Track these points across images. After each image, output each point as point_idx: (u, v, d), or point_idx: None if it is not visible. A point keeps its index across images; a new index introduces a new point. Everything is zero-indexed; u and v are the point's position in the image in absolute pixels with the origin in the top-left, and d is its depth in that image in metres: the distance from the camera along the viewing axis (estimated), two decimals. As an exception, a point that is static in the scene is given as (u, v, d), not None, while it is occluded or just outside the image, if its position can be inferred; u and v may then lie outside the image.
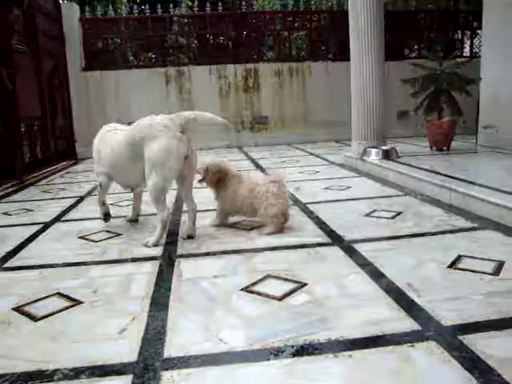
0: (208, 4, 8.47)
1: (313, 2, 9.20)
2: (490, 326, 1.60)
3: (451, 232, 2.71)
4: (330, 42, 9.03)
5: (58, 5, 7.63)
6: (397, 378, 1.34)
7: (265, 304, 1.86)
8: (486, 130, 5.85)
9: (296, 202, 3.69)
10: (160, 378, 1.40)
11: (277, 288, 2.00)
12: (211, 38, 9.02)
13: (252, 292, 1.97)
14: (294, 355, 1.48)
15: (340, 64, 8.13)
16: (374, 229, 2.87)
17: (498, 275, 2.04)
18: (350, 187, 4.18)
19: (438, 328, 1.59)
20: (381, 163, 4.71)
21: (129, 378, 1.41)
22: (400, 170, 4.27)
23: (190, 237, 2.84)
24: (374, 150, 5.00)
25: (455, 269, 2.14)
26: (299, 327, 1.65)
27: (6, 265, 2.54)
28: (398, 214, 3.17)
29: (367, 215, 3.18)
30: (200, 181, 3.00)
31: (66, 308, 1.92)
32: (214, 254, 2.53)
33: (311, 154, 6.91)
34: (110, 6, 8.80)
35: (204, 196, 3.31)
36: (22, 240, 2.98)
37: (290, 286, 2.01)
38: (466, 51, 9.18)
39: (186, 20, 8.76)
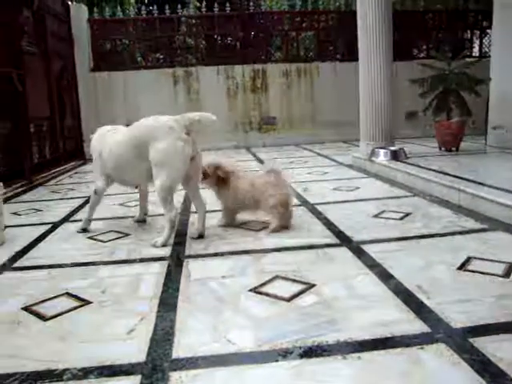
0: (216, 5, 8.48)
1: (321, 2, 9.16)
2: (501, 328, 1.59)
3: (460, 233, 2.69)
4: (338, 42, 9.01)
5: (67, 6, 7.67)
6: (406, 381, 1.33)
7: (273, 305, 1.86)
8: (496, 130, 5.80)
9: (304, 202, 3.68)
10: (168, 378, 1.40)
11: (285, 289, 2.00)
12: (219, 38, 9.03)
13: (260, 293, 1.97)
14: (302, 356, 1.48)
15: (348, 64, 8.11)
16: (382, 230, 2.86)
17: (508, 277, 2.02)
18: (358, 188, 4.17)
19: (447, 330, 1.58)
20: (389, 164, 4.69)
21: (137, 378, 1.41)
22: (408, 170, 4.25)
23: (201, 236, 2.86)
24: (382, 151, 4.98)
25: (465, 270, 2.12)
26: (308, 328, 1.65)
27: (16, 264, 2.55)
28: (407, 214, 3.15)
29: (376, 216, 3.16)
30: (202, 180, 3.00)
31: (75, 308, 1.93)
32: (222, 254, 2.53)
33: (319, 154, 6.90)
34: (118, 7, 8.82)
35: (209, 196, 3.31)
36: (30, 240, 3.00)
37: (298, 287, 2.00)
38: (476, 51, 9.13)
39: (193, 21, 8.77)
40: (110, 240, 2.90)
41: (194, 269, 2.32)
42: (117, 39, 8.59)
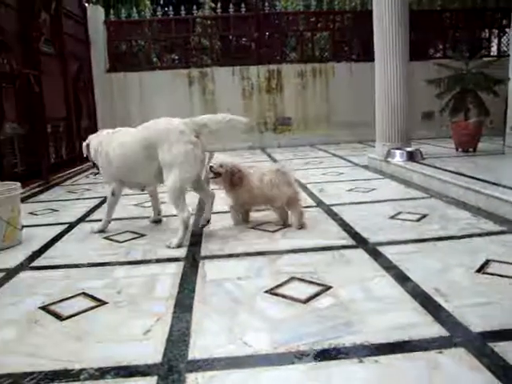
0: (231, 5, 8.49)
1: (336, 2, 9.12)
2: (521, 333, 1.56)
3: (479, 235, 2.66)
4: (354, 42, 8.97)
5: (84, 8, 7.74)
6: (425, 385, 1.31)
7: (289, 307, 1.85)
8: (514, 130, 5.73)
9: (320, 203, 3.67)
10: (184, 380, 1.40)
11: (301, 291, 1.99)
12: (234, 39, 9.03)
13: (276, 294, 1.96)
14: (318, 359, 1.47)
15: (363, 64, 8.05)
16: (399, 231, 2.83)
17: (528, 280, 1.99)
18: (374, 189, 4.14)
19: (466, 334, 1.56)
20: (405, 165, 4.65)
21: (153, 379, 1.41)
22: (425, 171, 4.21)
23: (208, 221, 3.00)
24: (398, 152, 4.94)
25: (483, 273, 2.09)
26: (324, 331, 1.63)
27: (33, 264, 2.58)
28: (424, 216, 3.12)
29: (392, 217, 3.14)
30: (212, 178, 3.03)
31: (91, 308, 1.94)
32: (237, 255, 2.53)
33: (334, 155, 6.87)
34: (134, 9, 8.87)
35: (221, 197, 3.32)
36: (47, 240, 3.02)
37: (314, 289, 1.99)
38: (494, 50, 9.01)
39: (209, 21, 8.80)
40: (125, 240, 2.92)
41: (209, 269, 2.32)
42: (133, 40, 8.65)
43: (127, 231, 3.12)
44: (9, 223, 2.86)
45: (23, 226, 3.06)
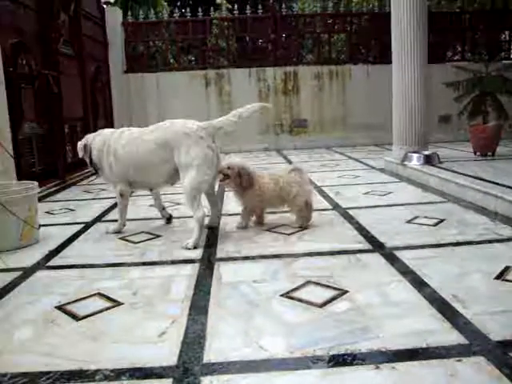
0: (248, 7, 8.50)
1: (353, 4, 9.08)
2: (544, 342, 1.52)
3: (498, 241, 2.61)
4: (371, 44, 8.92)
5: (102, 10, 7.80)
6: (443, 394, 1.29)
7: (305, 311, 1.83)
8: (534, 135, 5.66)
9: (336, 206, 3.65)
10: (199, 383, 1.39)
11: (317, 295, 1.97)
12: (251, 40, 9.04)
13: (292, 298, 1.95)
14: (334, 364, 1.45)
15: (380, 67, 8.01)
16: (416, 236, 2.80)
17: (549, 288, 1.95)
18: (390, 192, 4.10)
19: (486, 343, 1.53)
20: (422, 168, 4.61)
21: (169, 381, 1.41)
22: (442, 175, 4.17)
23: (214, 227, 3.15)
24: (415, 155, 4.90)
25: (503, 280, 2.05)
26: (340, 336, 1.62)
27: (49, 263, 2.59)
28: (441, 221, 3.08)
29: (409, 222, 3.11)
30: (222, 180, 3.03)
31: (107, 309, 1.94)
32: (253, 258, 2.52)
33: (350, 157, 6.84)
34: (151, 10, 8.92)
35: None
36: (64, 239, 3.04)
37: (331, 293, 1.98)
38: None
39: (225, 23, 8.81)
40: (141, 241, 2.92)
41: (225, 272, 2.32)
42: (150, 41, 8.70)
43: (143, 232, 3.13)
44: (26, 222, 2.88)
45: (40, 225, 3.09)
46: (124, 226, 3.17)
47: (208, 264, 2.45)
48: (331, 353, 1.52)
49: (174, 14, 8.68)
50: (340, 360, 1.48)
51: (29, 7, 5.16)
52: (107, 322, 1.83)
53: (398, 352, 1.51)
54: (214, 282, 2.19)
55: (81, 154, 3.18)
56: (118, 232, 3.13)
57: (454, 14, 9.10)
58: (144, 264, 2.50)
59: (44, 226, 3.22)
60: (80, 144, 3.18)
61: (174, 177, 2.93)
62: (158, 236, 3.02)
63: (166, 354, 1.56)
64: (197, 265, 2.44)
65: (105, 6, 7.96)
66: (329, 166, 6.08)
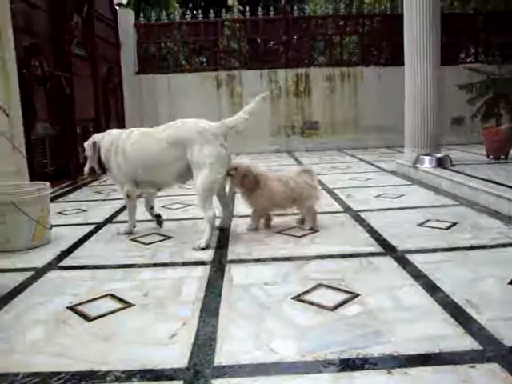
0: (259, 8, 8.50)
1: (365, 6, 9.04)
2: (559, 349, 1.50)
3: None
4: (383, 46, 8.88)
5: (115, 11, 7.84)
6: (457, 400, 1.28)
7: (317, 314, 1.82)
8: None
9: (347, 209, 3.63)
10: (210, 385, 1.39)
11: (329, 298, 1.96)
12: (262, 42, 9.04)
13: (303, 301, 1.94)
14: (346, 369, 1.44)
15: (392, 69, 7.98)
16: (428, 239, 2.77)
17: None
18: (402, 195, 4.08)
19: (500, 348, 1.51)
20: (434, 171, 4.57)
21: (179, 383, 1.41)
22: (455, 178, 4.13)
23: (225, 228, 3.15)
24: (427, 158, 4.86)
25: (517, 285, 2.03)
26: (352, 340, 1.61)
27: (61, 264, 2.61)
28: (454, 224, 3.05)
29: (421, 225, 3.08)
30: (229, 180, 3.02)
31: (118, 310, 1.95)
32: (264, 260, 2.51)
33: (362, 160, 6.81)
34: (164, 12, 8.95)
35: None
36: (75, 240, 3.06)
37: (342, 297, 1.96)
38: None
39: (237, 24, 8.82)
40: (152, 242, 2.93)
41: (236, 274, 2.31)
42: (162, 43, 8.73)
43: (153, 233, 3.14)
44: (38, 223, 2.90)
45: (52, 226, 3.10)
46: (134, 226, 3.18)
47: (219, 266, 2.44)
48: (342, 357, 1.50)
49: (186, 16, 8.71)
50: (351, 364, 1.47)
51: (42, 9, 5.20)
52: (118, 323, 1.84)
53: (411, 357, 1.49)
54: (225, 283, 2.18)
55: (89, 152, 3.15)
56: (128, 233, 3.14)
57: (467, 16, 9.02)
58: (155, 265, 2.50)
59: (56, 226, 3.24)
60: (88, 142, 3.17)
61: (183, 176, 2.94)
62: (169, 237, 3.02)
63: (176, 355, 1.56)
64: (208, 266, 2.43)
65: (117, 7, 7.99)
66: (340, 168, 6.06)
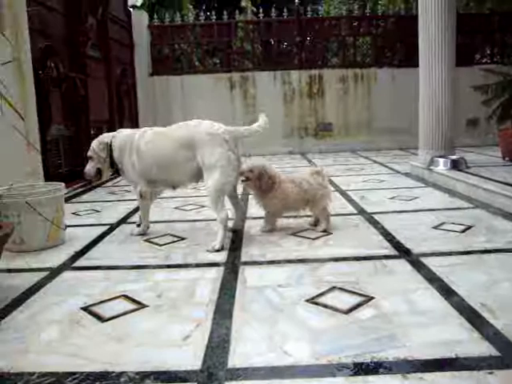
0: (273, 10, 8.50)
1: (379, 7, 9.00)
2: None
3: (528, 249, 2.55)
4: (396, 47, 8.83)
5: (129, 13, 7.89)
6: (474, 406, 1.26)
7: (331, 317, 1.81)
8: None
9: (361, 211, 3.61)
10: (224, 388, 1.39)
11: (343, 301, 1.95)
12: (276, 43, 9.03)
13: (317, 304, 1.93)
14: (360, 373, 1.43)
15: (406, 70, 7.93)
16: (443, 242, 2.75)
17: None
18: (416, 197, 4.04)
19: (518, 354, 1.49)
20: (449, 173, 4.53)
21: (193, 386, 1.41)
22: (470, 181, 4.09)
23: (237, 230, 3.15)
24: (441, 160, 4.82)
25: (534, 289, 2.00)
26: (366, 343, 1.59)
27: (75, 264, 2.62)
28: (469, 227, 3.02)
29: (435, 227, 3.05)
30: (243, 181, 3.02)
31: (132, 311, 1.95)
32: (278, 262, 2.50)
33: (375, 162, 6.77)
34: (177, 13, 8.98)
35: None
36: (89, 240, 3.07)
37: (356, 300, 1.95)
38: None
39: (250, 26, 8.83)
40: (165, 243, 2.93)
41: (249, 276, 2.31)
42: (175, 44, 8.76)
43: (167, 234, 3.14)
44: (53, 223, 2.92)
45: (66, 226, 3.12)
46: (148, 227, 3.19)
47: (233, 267, 2.44)
48: (357, 360, 1.49)
49: (200, 17, 8.74)
50: (366, 368, 1.45)
51: (58, 11, 5.24)
52: (132, 324, 1.84)
53: (426, 362, 1.48)
54: (238, 285, 2.18)
55: (98, 150, 3.16)
56: (142, 234, 3.15)
57: (482, 16, 8.92)
58: (168, 267, 2.50)
59: (70, 226, 3.26)
60: (96, 141, 3.19)
61: (197, 175, 2.94)
62: (183, 238, 3.03)
63: (190, 357, 1.55)
64: (221, 268, 2.43)
65: (131, 9, 8.05)
66: (354, 170, 6.03)
